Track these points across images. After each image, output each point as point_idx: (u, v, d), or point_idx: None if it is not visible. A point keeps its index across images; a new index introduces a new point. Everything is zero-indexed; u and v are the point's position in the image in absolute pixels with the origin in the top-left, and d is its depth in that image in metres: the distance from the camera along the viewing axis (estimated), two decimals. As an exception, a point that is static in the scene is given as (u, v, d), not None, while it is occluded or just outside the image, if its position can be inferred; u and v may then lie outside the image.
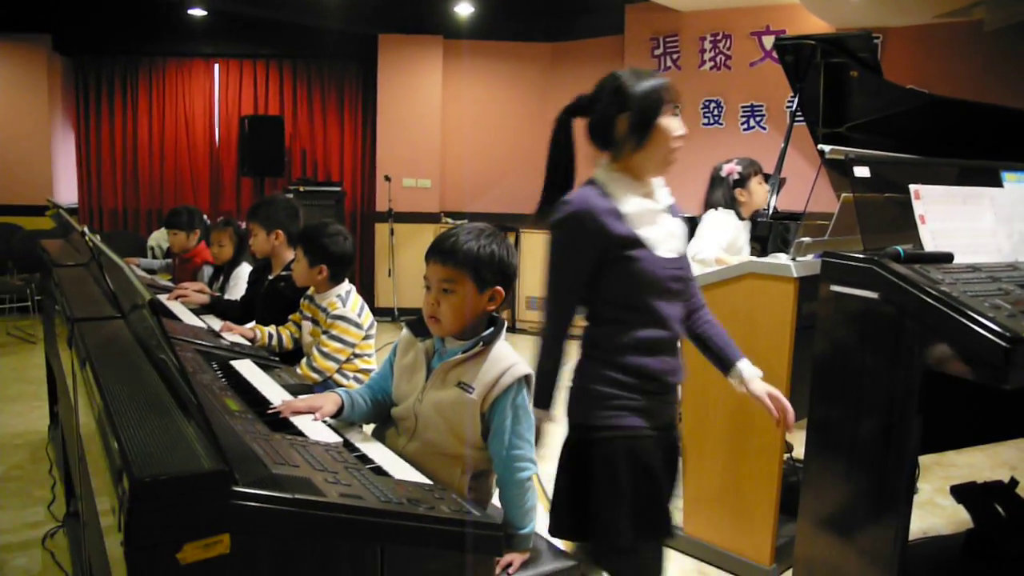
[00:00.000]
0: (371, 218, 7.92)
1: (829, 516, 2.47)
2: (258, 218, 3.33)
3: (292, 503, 1.20)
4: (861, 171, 2.51)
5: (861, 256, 2.33)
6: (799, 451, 3.05)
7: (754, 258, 2.84)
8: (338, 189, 7.39)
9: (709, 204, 3.59)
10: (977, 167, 2.76)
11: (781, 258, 2.66)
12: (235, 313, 3.45)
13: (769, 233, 4.28)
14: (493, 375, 1.75)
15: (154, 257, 5.49)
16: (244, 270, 3.90)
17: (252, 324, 3.19)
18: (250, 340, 2.93)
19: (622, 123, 1.91)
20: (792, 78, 4.50)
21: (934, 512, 3.33)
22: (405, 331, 1.93)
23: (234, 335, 2.91)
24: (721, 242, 3.37)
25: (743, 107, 6.39)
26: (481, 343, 1.78)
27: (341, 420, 1.89)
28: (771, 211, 4.40)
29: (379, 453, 1.74)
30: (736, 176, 3.51)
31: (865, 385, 2.34)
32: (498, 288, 1.80)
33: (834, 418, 2.43)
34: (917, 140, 3.81)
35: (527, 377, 1.79)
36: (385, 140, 7.67)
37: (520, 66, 7.89)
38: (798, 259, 2.61)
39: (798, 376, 2.62)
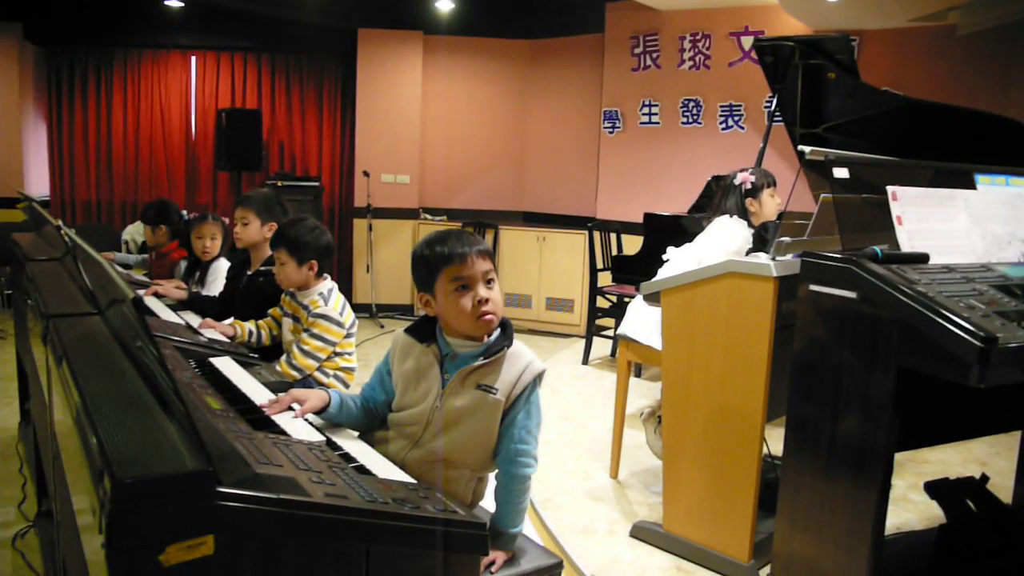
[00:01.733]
0: (349, 213, 7.88)
1: (806, 512, 2.49)
2: (256, 206, 3.27)
3: (277, 503, 1.19)
4: (840, 172, 2.54)
5: (840, 256, 2.35)
6: (777, 448, 3.08)
7: (733, 258, 2.86)
8: (316, 184, 7.35)
9: (721, 212, 3.58)
10: (951, 169, 2.80)
11: (761, 257, 2.68)
12: (213, 309, 3.42)
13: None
14: (514, 373, 1.77)
15: (129, 251, 5.43)
16: (222, 265, 3.86)
17: (231, 320, 3.17)
18: (229, 337, 2.91)
19: None
20: (771, 78, 4.53)
21: (907, 508, 3.38)
22: (404, 337, 1.90)
23: (213, 331, 2.89)
24: (729, 248, 3.38)
25: (722, 106, 6.43)
26: (505, 347, 1.79)
27: (325, 418, 1.86)
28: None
29: (362, 451, 1.73)
30: (748, 186, 3.52)
31: (843, 383, 2.36)
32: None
33: (812, 416, 2.46)
34: (892, 141, 3.86)
35: (542, 374, 1.81)
36: (364, 135, 7.64)
37: (500, 63, 7.88)
38: (778, 259, 2.63)
39: (777, 374, 2.65)
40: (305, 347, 2.84)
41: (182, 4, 7.40)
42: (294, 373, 2.83)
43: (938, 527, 2.95)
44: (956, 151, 3.59)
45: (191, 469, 1.15)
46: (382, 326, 7.16)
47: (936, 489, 2.81)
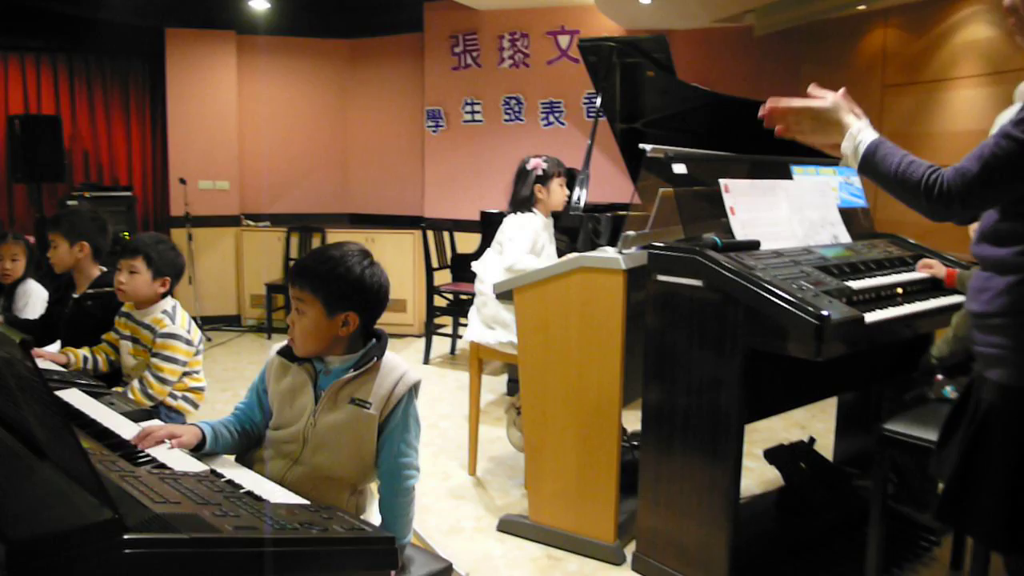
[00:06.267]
0: (166, 223, 7.41)
1: (666, 488, 2.66)
2: (61, 228, 3.05)
3: (188, 543, 1.14)
4: (679, 167, 2.72)
5: (684, 247, 2.52)
6: (635, 431, 3.24)
7: (581, 253, 2.98)
8: (128, 194, 6.87)
9: (512, 200, 3.67)
10: (769, 162, 3.07)
11: (609, 251, 2.81)
12: (34, 334, 3.15)
13: (580, 226, 4.50)
14: (387, 386, 1.76)
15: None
16: (32, 287, 3.58)
17: (57, 347, 2.94)
18: (63, 365, 2.70)
19: None
20: (594, 77, 4.73)
21: (746, 475, 3.64)
22: (277, 358, 1.87)
23: (44, 361, 2.67)
24: (526, 247, 3.48)
25: (542, 103, 6.62)
26: (375, 358, 1.77)
27: (203, 453, 1.80)
28: (581, 204, 4.62)
29: (247, 478, 1.67)
30: (540, 172, 3.63)
31: (693, 365, 2.54)
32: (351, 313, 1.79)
33: (666, 397, 2.63)
34: (704, 135, 4.14)
35: (417, 385, 1.81)
36: (177, 140, 7.22)
37: (318, 63, 7.70)
38: (625, 252, 2.77)
39: (630, 361, 2.79)
40: (160, 373, 2.70)
41: (-42, 0, 6.67)
42: (148, 402, 2.68)
43: (777, 489, 3.23)
44: (762, 142, 3.92)
45: (94, 520, 1.08)
46: (209, 339, 6.83)
47: (774, 455, 3.07)
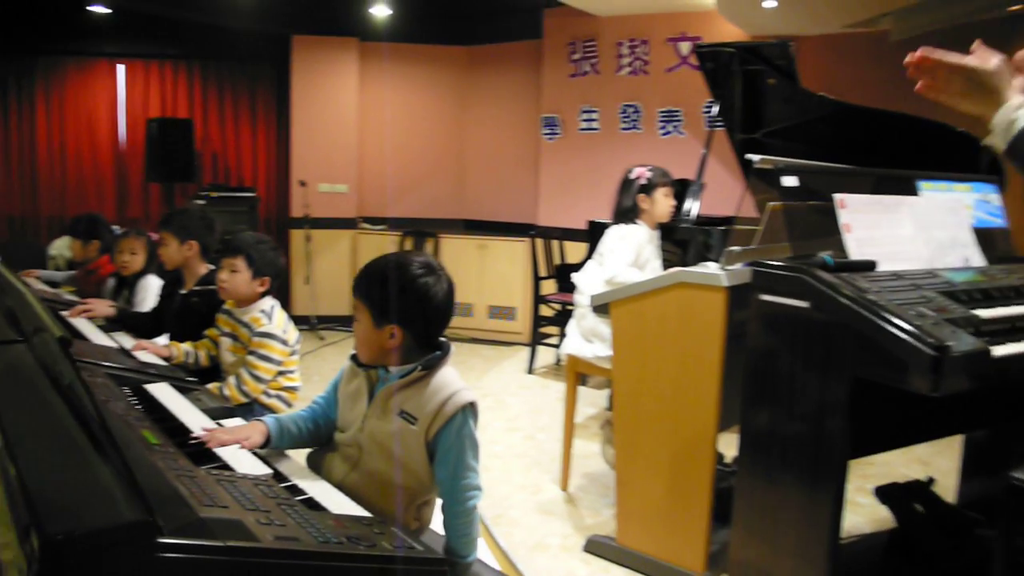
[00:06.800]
0: (286, 224, 7.69)
1: (761, 521, 2.48)
2: (172, 227, 3.17)
3: (223, 551, 1.11)
4: (789, 180, 2.54)
5: (791, 266, 2.35)
6: (731, 457, 3.07)
7: (681, 268, 2.85)
8: (252, 195, 7.15)
9: (616, 211, 3.58)
10: (894, 176, 2.84)
11: (711, 267, 2.66)
12: (145, 326, 3.28)
13: (691, 239, 4.33)
14: (435, 405, 1.68)
15: (57, 268, 5.19)
16: (152, 282, 3.73)
17: (165, 341, 3.04)
18: (166, 358, 2.78)
19: None
20: (712, 84, 4.56)
21: (855, 511, 3.41)
22: (349, 362, 1.85)
23: (148, 354, 2.76)
24: (627, 259, 3.37)
25: (661, 112, 6.46)
26: (419, 368, 1.71)
27: (269, 449, 1.80)
28: (693, 216, 4.45)
29: (313, 485, 1.65)
30: (644, 181, 3.51)
31: (796, 392, 2.36)
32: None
33: (765, 424, 2.45)
34: (829, 146, 3.91)
35: (472, 405, 1.72)
36: (300, 144, 7.47)
37: (437, 69, 7.80)
38: (728, 268, 2.62)
39: (729, 384, 2.63)
40: (255, 371, 2.75)
41: (109, 11, 7.12)
42: (242, 398, 2.73)
43: (888, 531, 2.98)
44: (892, 156, 3.66)
45: (128, 520, 1.06)
46: (322, 338, 7.01)
47: (885, 494, 2.83)
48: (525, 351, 6.33)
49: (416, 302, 1.70)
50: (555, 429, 4.50)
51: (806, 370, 2.32)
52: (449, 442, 1.67)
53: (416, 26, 7.54)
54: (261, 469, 1.59)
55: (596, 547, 3.00)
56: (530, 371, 5.94)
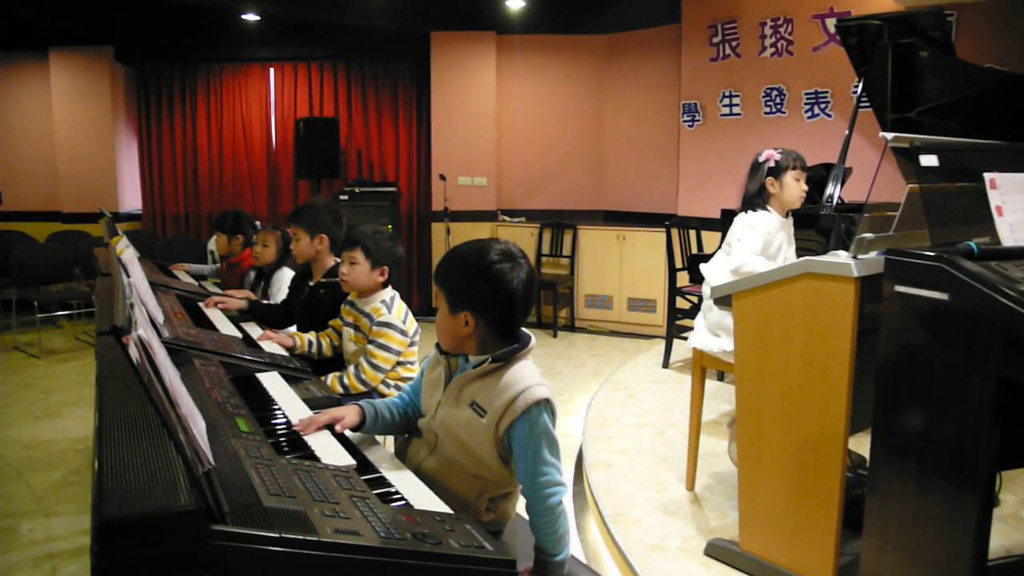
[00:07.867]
0: (427, 217, 7.87)
1: (897, 531, 2.27)
2: (302, 222, 3.28)
3: (277, 542, 1.10)
4: (928, 159, 2.31)
5: (929, 254, 2.12)
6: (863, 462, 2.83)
7: (810, 257, 2.64)
8: (393, 189, 7.36)
9: (744, 196, 3.38)
10: (1059, 152, 2.53)
11: (841, 256, 2.46)
12: (276, 316, 3.42)
13: (832, 226, 4.05)
14: (505, 400, 1.63)
15: (214, 262, 5.53)
16: (286, 274, 3.87)
17: (291, 330, 3.14)
18: (289, 348, 2.87)
19: None
20: (856, 61, 4.25)
21: (1019, 527, 3.07)
22: (435, 349, 1.84)
23: (272, 344, 2.86)
24: (756, 248, 3.17)
25: (807, 94, 6.11)
26: (490, 359, 1.67)
27: (363, 432, 1.84)
28: (836, 203, 4.17)
29: (399, 476, 1.63)
30: (772, 164, 3.29)
31: (935, 393, 2.14)
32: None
33: (901, 428, 2.24)
34: (995, 123, 3.54)
35: (546, 401, 1.65)
36: (440, 138, 7.61)
37: (575, 59, 7.73)
38: (859, 257, 2.41)
39: (860, 382, 2.42)
40: (374, 360, 2.79)
41: (259, 18, 7.52)
42: (361, 387, 2.78)
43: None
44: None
45: (182, 508, 1.07)
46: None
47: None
48: (662, 345, 6.16)
49: (490, 289, 1.65)
50: (685, 426, 4.34)
51: (946, 369, 2.10)
52: (524, 439, 1.62)
53: (552, 17, 7.50)
54: (345, 460, 1.59)
55: (717, 551, 2.85)
56: (665, 365, 5.78)
